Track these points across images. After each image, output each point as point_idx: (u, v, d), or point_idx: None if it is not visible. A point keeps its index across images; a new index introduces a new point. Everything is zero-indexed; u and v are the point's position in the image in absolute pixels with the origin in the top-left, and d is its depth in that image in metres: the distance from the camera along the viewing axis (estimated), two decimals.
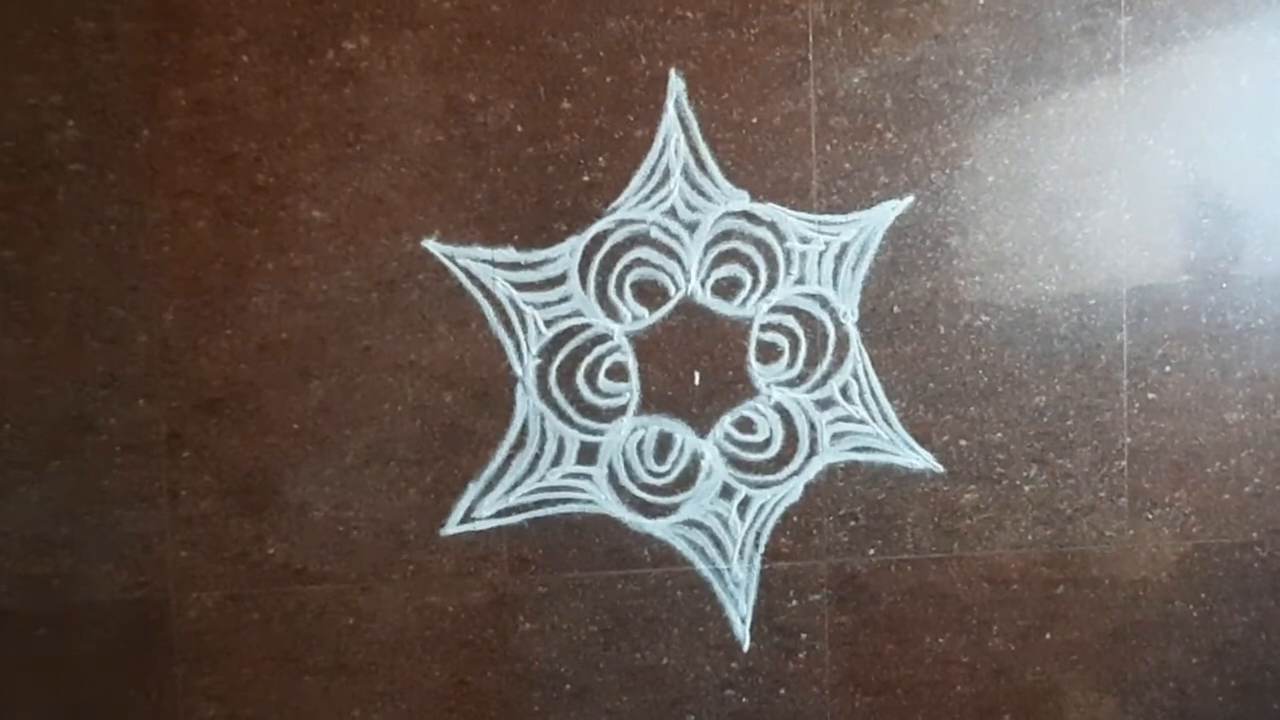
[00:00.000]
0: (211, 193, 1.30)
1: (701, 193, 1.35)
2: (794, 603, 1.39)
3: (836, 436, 1.39)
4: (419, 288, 1.33)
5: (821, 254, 1.37)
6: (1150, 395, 1.43)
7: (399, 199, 1.32)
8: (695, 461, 1.38)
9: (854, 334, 1.38)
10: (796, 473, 1.39)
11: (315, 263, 1.32)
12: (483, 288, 1.33)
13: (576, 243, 1.34)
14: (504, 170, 1.33)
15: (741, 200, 1.35)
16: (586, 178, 1.34)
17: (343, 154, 1.31)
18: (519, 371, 1.34)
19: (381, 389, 1.33)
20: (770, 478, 1.39)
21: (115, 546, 1.32)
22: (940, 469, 1.41)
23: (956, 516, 1.42)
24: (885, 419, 1.39)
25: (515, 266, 1.33)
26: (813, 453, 1.39)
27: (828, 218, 1.37)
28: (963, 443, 1.41)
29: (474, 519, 1.35)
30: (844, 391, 1.39)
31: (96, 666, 1.32)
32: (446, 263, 1.33)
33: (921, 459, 1.40)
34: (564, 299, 1.34)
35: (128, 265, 1.30)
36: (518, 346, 1.34)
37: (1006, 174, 1.39)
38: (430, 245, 1.32)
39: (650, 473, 1.37)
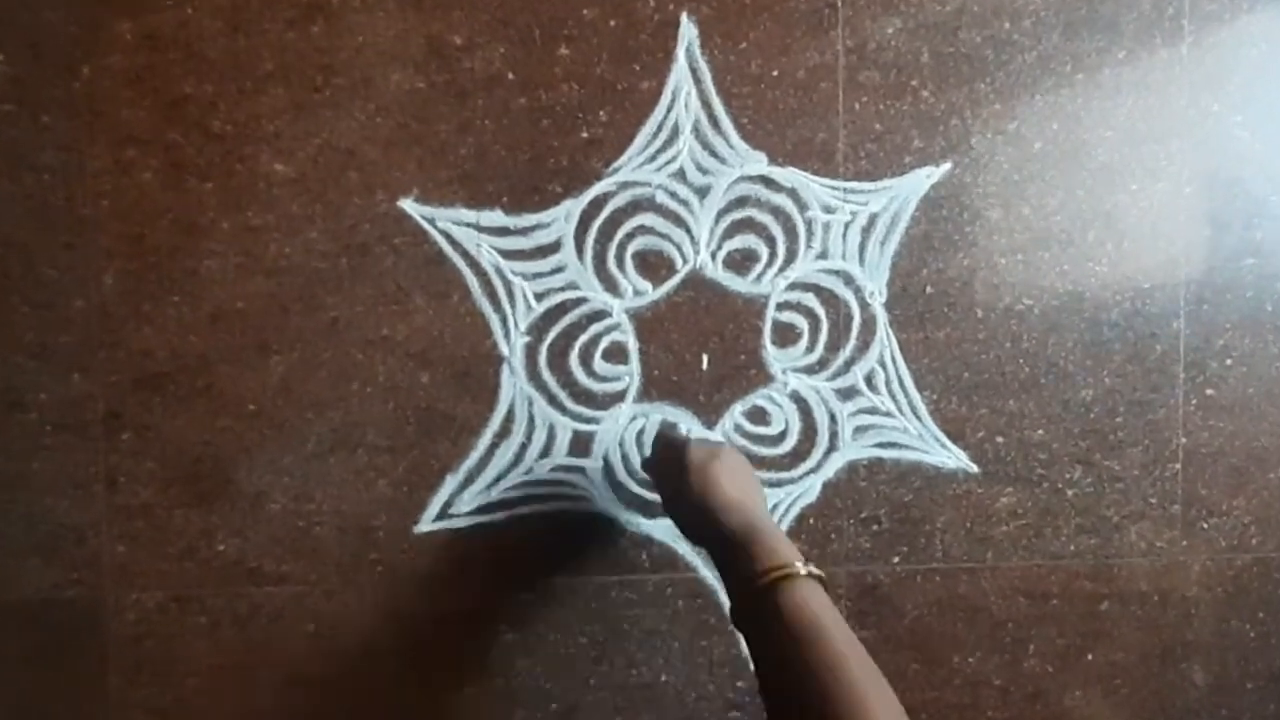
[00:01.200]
0: (160, 140, 1.15)
1: (714, 153, 1.20)
2: None
3: (859, 430, 1.25)
4: (394, 253, 1.18)
5: (847, 225, 1.23)
6: (1209, 391, 1.28)
7: (373, 152, 1.17)
8: None
9: (881, 316, 1.24)
10: (814, 470, 1.24)
11: (276, 223, 1.17)
12: (466, 255, 1.19)
13: (572, 206, 1.19)
14: (492, 123, 1.18)
15: (759, 163, 1.21)
16: (585, 133, 1.19)
17: (309, 100, 1.16)
18: (505, 350, 1.20)
19: (350, 367, 1.18)
20: (784, 475, 1.24)
21: (44, 539, 1.17)
22: (974, 469, 1.26)
23: (991, 522, 1.27)
24: (914, 412, 1.25)
25: (503, 232, 1.19)
26: (832, 448, 1.24)
27: (855, 185, 1.22)
28: (1000, 440, 1.27)
29: (451, 515, 1.21)
30: (869, 380, 1.24)
31: (20, 674, 1.17)
32: (425, 226, 1.18)
33: (953, 457, 1.26)
34: (557, 270, 1.20)
35: (63, 220, 1.15)
36: (504, 322, 1.20)
37: (1055, 140, 1.24)
38: (407, 206, 1.17)
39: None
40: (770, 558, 0.76)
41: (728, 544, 0.81)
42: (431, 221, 1.18)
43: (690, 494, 0.89)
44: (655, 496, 1.23)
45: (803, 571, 0.74)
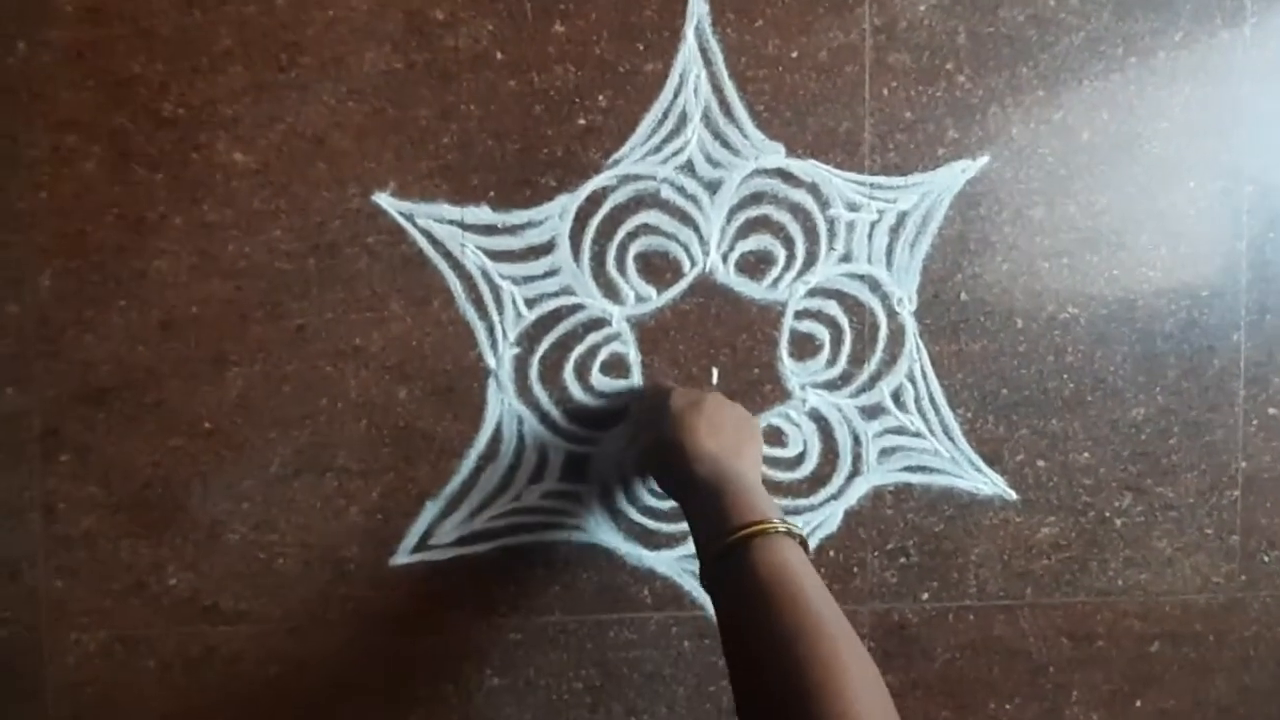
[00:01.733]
0: (104, 126, 1.03)
1: (726, 144, 1.08)
2: None
3: (885, 452, 1.13)
4: (368, 254, 1.06)
5: (874, 225, 1.10)
6: (1271, 410, 1.16)
7: (344, 141, 1.05)
8: None
9: (911, 325, 1.12)
10: (835, 496, 1.12)
11: (235, 219, 1.04)
12: (448, 256, 1.06)
13: (568, 202, 1.07)
14: (478, 108, 1.05)
15: (776, 155, 1.08)
16: (582, 120, 1.06)
17: (273, 81, 1.04)
18: (492, 363, 1.07)
19: (318, 381, 1.06)
20: (802, 502, 1.12)
21: None
22: (1012, 496, 1.14)
23: (1031, 555, 1.15)
24: (947, 432, 1.13)
25: (490, 230, 1.06)
26: (855, 472, 1.12)
27: (882, 180, 1.10)
28: (1041, 464, 1.14)
29: (431, 546, 1.08)
30: (896, 397, 1.12)
31: None
32: (403, 223, 1.06)
33: (990, 483, 1.14)
34: (550, 273, 1.07)
35: None
36: (491, 331, 1.07)
37: (1105, 131, 1.12)
38: (383, 201, 1.05)
39: (654, 493, 1.10)
40: (744, 512, 0.70)
41: (698, 494, 0.77)
42: (410, 218, 1.06)
43: (665, 439, 0.85)
44: (660, 525, 1.11)
45: (780, 528, 0.68)
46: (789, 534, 0.68)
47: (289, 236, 1.05)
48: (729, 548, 0.67)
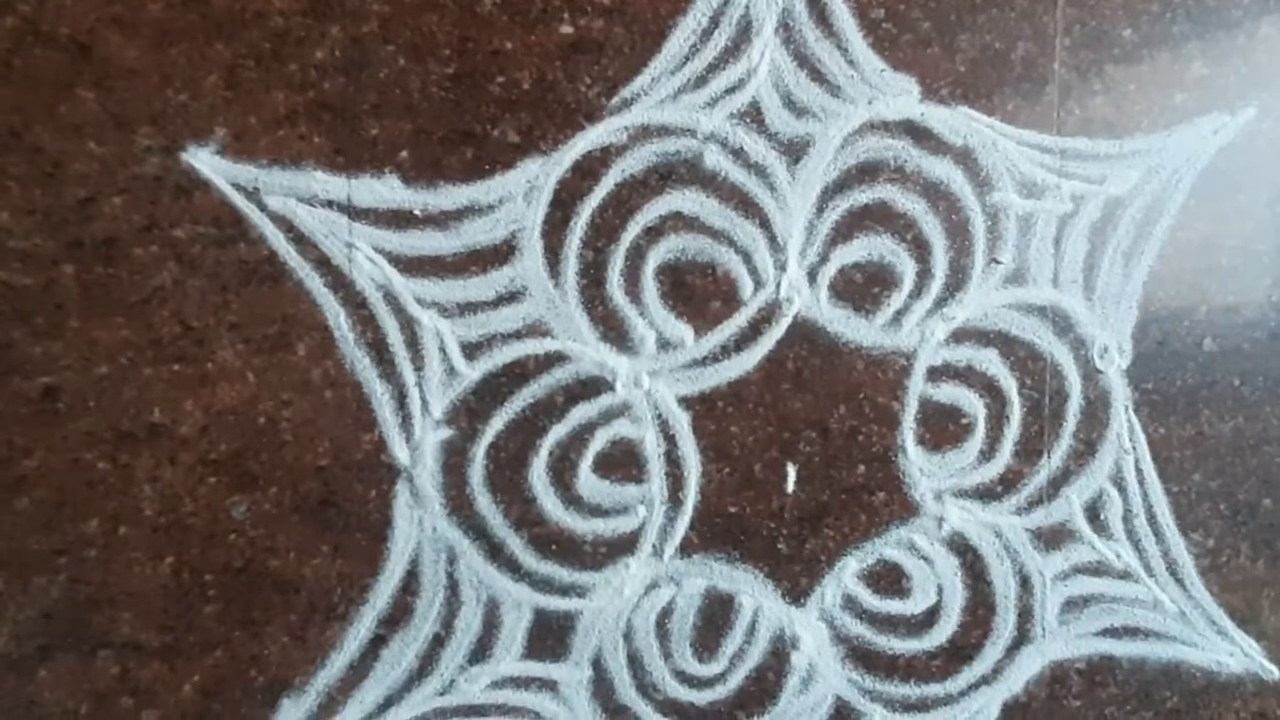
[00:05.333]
0: None
1: (818, 77, 0.65)
2: None
3: (1073, 605, 0.73)
4: (175, 258, 0.61)
5: (1065, 221, 0.68)
6: None
7: (130, 50, 0.59)
8: (780, 654, 0.69)
9: (1121, 392, 0.70)
10: (987, 680, 0.73)
11: None
12: (324, 265, 0.62)
13: (540, 173, 0.62)
14: (382, 3, 0.59)
15: (904, 97, 0.65)
16: (567, 27, 0.62)
17: None
18: (402, 456, 0.63)
19: (80, 487, 0.61)
20: (934, 689, 0.73)
21: None
22: (1275, 673, 0.72)
23: None
24: (1174, 570, 0.72)
25: (400, 221, 0.62)
26: (1023, 638, 0.73)
27: (1082, 144, 0.69)
28: None
29: None
30: (1094, 513, 0.72)
31: None
32: (240, 204, 0.60)
33: (1240, 653, 0.72)
34: (509, 297, 0.64)
35: None
36: (401, 399, 0.63)
37: None
38: (203, 162, 0.59)
39: (684, 677, 0.70)
40: None
41: None
42: (254, 195, 0.60)
43: None
44: None
45: None
46: None
47: (27, 223, 0.58)
48: None
